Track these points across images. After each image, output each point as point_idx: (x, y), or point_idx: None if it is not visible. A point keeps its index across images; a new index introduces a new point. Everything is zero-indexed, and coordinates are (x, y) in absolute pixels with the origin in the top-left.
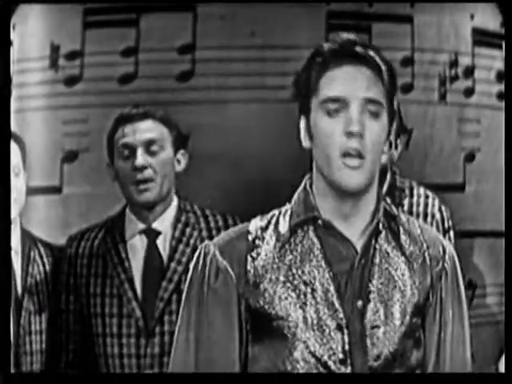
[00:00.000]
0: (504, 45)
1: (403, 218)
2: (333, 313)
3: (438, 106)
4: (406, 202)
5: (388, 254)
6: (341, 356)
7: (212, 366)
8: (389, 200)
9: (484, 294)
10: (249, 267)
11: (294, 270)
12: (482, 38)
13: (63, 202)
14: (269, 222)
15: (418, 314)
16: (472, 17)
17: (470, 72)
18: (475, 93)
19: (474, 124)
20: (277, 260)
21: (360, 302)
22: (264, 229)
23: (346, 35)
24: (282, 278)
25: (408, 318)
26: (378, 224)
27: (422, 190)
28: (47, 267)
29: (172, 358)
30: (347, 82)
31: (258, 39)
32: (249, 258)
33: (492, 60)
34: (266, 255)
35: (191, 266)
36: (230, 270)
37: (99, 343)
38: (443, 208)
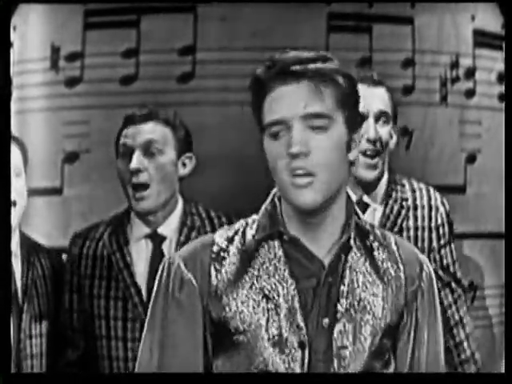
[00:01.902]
0: (504, 45)
1: (378, 233)
2: (296, 330)
3: (439, 108)
4: (409, 195)
5: (358, 271)
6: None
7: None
8: (362, 215)
9: (485, 295)
10: (212, 279)
11: (258, 285)
12: (482, 39)
13: (64, 203)
14: (235, 233)
15: (388, 335)
16: (473, 18)
17: (470, 73)
18: (476, 94)
19: (475, 125)
20: (240, 273)
21: (326, 320)
22: (230, 240)
23: (279, 55)
24: (244, 292)
25: (378, 338)
26: (348, 240)
27: (421, 184)
28: (46, 271)
29: (137, 364)
30: (284, 103)
31: (259, 40)
32: (212, 270)
33: (493, 61)
34: (230, 268)
35: (157, 277)
36: (194, 281)
37: (103, 345)
38: (445, 201)
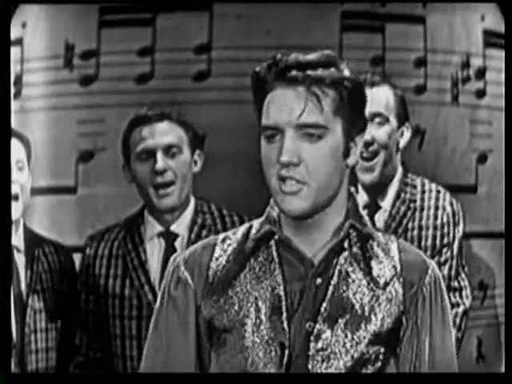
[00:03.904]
0: (504, 45)
1: (381, 237)
2: (280, 331)
3: (451, 107)
4: (418, 197)
5: (348, 275)
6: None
7: (168, 370)
8: (366, 219)
9: (495, 294)
10: (209, 280)
11: (248, 285)
12: (492, 39)
13: (78, 202)
14: (238, 235)
15: (380, 342)
16: (482, 18)
17: (481, 73)
18: (487, 94)
19: (486, 125)
20: (234, 273)
21: (310, 323)
22: (231, 241)
23: (282, 54)
24: (234, 292)
25: (363, 346)
26: (340, 242)
27: (433, 185)
28: (52, 265)
29: (141, 363)
30: (280, 108)
31: (274, 39)
32: (210, 271)
33: (503, 62)
34: (226, 268)
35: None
36: (189, 280)
37: (117, 344)
38: (454, 202)
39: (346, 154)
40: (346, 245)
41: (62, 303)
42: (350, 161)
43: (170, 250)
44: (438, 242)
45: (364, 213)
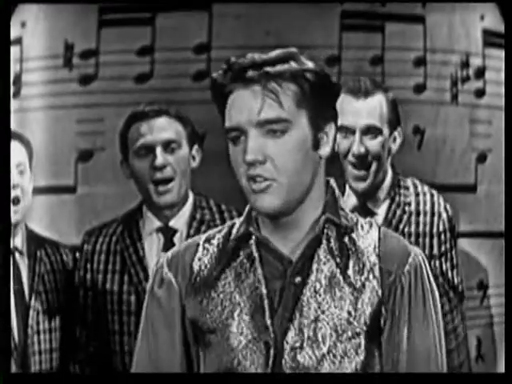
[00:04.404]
0: (504, 45)
1: (361, 227)
2: (263, 331)
3: (450, 107)
4: (412, 200)
5: (324, 271)
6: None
7: (156, 369)
8: (346, 210)
9: (495, 294)
10: (192, 279)
11: (230, 285)
12: (491, 39)
13: (77, 201)
14: (220, 235)
15: (356, 336)
16: (482, 18)
17: (481, 73)
18: (486, 94)
19: (486, 125)
20: (216, 273)
21: (289, 323)
22: (214, 241)
23: (236, 58)
24: (216, 292)
25: (342, 341)
26: (317, 237)
27: (425, 187)
28: (55, 266)
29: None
30: (240, 109)
31: (273, 39)
32: (193, 271)
33: (502, 61)
34: (208, 268)
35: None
36: (173, 281)
37: (115, 341)
38: (448, 207)
39: (316, 145)
40: (323, 240)
41: (66, 304)
42: (323, 152)
43: (168, 245)
44: (435, 250)
45: (343, 204)
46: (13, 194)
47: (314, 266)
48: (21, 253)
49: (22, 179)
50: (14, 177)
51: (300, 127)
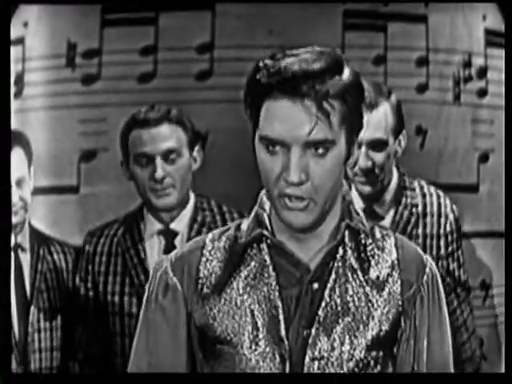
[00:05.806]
0: (504, 45)
1: (378, 235)
2: (278, 342)
3: (453, 107)
4: (419, 201)
5: (345, 279)
6: None
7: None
8: (361, 215)
9: (497, 294)
10: (199, 284)
11: (242, 293)
12: (494, 38)
13: (80, 201)
14: (225, 237)
15: (379, 346)
16: (484, 17)
17: (483, 73)
18: (488, 93)
19: (488, 125)
20: (225, 279)
21: (306, 332)
22: (219, 243)
23: (281, 58)
24: (227, 299)
25: (362, 350)
26: (337, 244)
27: (432, 189)
28: (58, 264)
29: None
30: (285, 121)
31: (276, 38)
32: (200, 275)
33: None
34: (216, 273)
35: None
36: (179, 286)
37: (117, 342)
38: (454, 208)
39: (348, 158)
40: (342, 247)
41: (67, 302)
42: (350, 161)
43: (169, 247)
44: (442, 251)
45: (358, 208)
46: (14, 208)
47: (333, 273)
48: (23, 250)
49: (23, 191)
50: (15, 193)
51: (340, 145)
